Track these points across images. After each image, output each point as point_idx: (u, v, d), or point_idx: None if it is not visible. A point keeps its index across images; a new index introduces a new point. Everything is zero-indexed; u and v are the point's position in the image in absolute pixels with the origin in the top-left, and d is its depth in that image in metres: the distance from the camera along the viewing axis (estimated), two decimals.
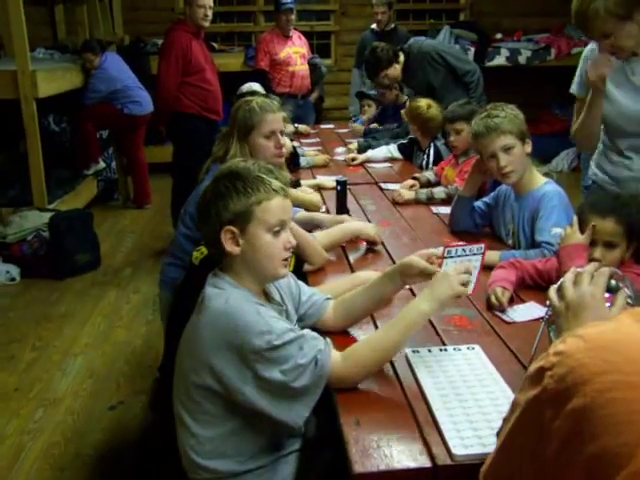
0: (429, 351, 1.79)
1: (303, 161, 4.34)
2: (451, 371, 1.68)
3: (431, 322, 2.00)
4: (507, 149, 2.55)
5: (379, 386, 1.66)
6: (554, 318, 1.32)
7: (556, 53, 7.81)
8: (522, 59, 7.89)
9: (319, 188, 3.65)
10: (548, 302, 1.36)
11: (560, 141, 7.70)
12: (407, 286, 1.99)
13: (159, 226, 6.04)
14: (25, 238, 4.85)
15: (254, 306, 1.62)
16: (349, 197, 3.24)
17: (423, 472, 1.36)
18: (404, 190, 3.50)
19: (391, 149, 4.58)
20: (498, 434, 1.01)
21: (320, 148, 4.99)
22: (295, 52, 6.42)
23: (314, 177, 4.02)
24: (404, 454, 1.39)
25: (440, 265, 1.86)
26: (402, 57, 4.73)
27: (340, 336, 1.89)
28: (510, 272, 2.21)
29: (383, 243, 2.75)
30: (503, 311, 2.06)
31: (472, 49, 7.74)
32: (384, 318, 1.99)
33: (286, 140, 3.14)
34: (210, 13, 5.01)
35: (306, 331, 1.63)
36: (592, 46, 2.55)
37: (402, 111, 4.64)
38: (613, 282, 1.28)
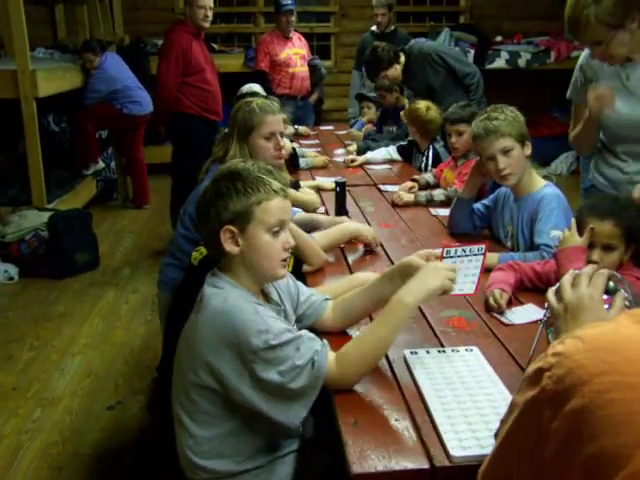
0: (427, 352, 1.79)
1: (302, 162, 4.34)
2: (449, 373, 1.68)
3: (429, 323, 2.01)
4: (506, 152, 2.55)
5: (377, 387, 1.66)
6: (552, 320, 1.33)
7: (556, 56, 7.82)
8: (522, 62, 7.89)
9: (318, 189, 3.65)
10: (546, 304, 1.36)
11: (559, 144, 7.68)
12: None
13: (158, 226, 6.04)
14: (24, 237, 4.85)
15: (252, 305, 1.62)
16: (348, 198, 3.25)
17: (421, 473, 1.36)
18: (403, 192, 3.50)
19: (390, 151, 4.59)
20: (496, 435, 1.01)
21: (319, 149, 4.99)
22: (295, 53, 6.42)
23: (313, 178, 4.03)
24: (402, 455, 1.39)
25: None
26: (403, 58, 4.73)
27: (338, 337, 1.89)
28: (509, 274, 2.21)
29: (382, 245, 2.75)
30: (501, 313, 2.06)
31: (472, 52, 7.75)
32: None
33: (286, 141, 3.14)
34: (210, 14, 5.01)
35: (303, 332, 1.64)
36: (587, 52, 2.56)
37: (402, 112, 4.64)
38: (611, 284, 1.28)
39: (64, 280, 4.78)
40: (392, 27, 6.46)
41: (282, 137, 2.78)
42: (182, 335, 1.71)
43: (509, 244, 2.69)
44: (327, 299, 1.97)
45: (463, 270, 1.85)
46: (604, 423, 0.77)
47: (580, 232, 2.09)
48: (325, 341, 1.66)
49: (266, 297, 1.79)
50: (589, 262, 1.99)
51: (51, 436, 2.96)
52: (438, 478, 1.36)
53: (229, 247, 1.66)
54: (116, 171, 7.03)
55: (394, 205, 3.40)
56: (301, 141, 5.28)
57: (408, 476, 1.36)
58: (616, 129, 2.50)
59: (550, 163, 7.88)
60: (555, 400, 0.82)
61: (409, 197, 3.44)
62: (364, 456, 1.38)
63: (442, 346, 1.86)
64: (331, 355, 1.62)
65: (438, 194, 3.42)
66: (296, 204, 2.91)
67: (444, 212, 3.15)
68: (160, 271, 2.90)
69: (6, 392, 3.33)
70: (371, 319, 2.00)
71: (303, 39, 6.67)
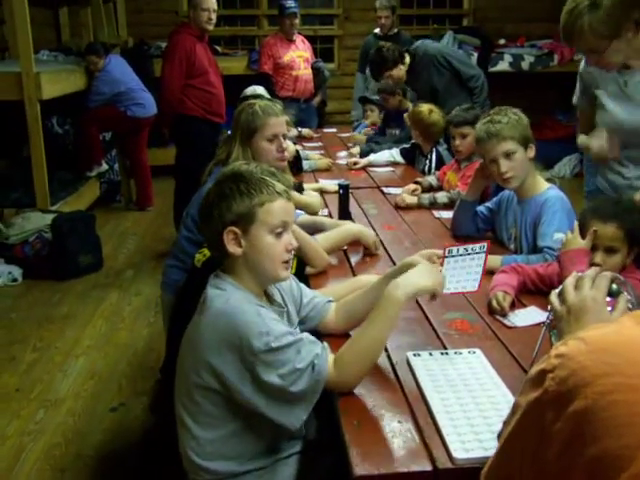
0: (430, 354, 1.79)
1: (306, 165, 4.34)
2: (452, 375, 1.68)
3: (432, 326, 2.01)
4: (508, 155, 2.55)
5: (380, 389, 1.66)
6: (555, 322, 1.32)
7: (559, 59, 7.82)
8: (525, 65, 7.90)
9: (321, 192, 3.66)
10: (549, 307, 1.36)
11: (563, 147, 7.72)
12: None
13: (161, 228, 6.05)
14: (27, 239, 4.86)
15: (255, 307, 1.62)
16: (351, 201, 3.25)
17: (424, 475, 1.36)
18: (406, 195, 3.50)
19: (393, 153, 4.59)
20: (499, 436, 1.01)
21: (322, 152, 5.00)
22: (299, 56, 6.42)
23: (316, 181, 4.03)
24: (405, 457, 1.39)
25: (442, 264, 1.87)
26: (408, 58, 4.73)
27: (341, 339, 1.88)
28: (512, 277, 2.21)
29: (385, 247, 2.75)
30: (504, 315, 2.06)
31: (475, 54, 7.74)
32: None
33: (289, 144, 3.14)
34: (214, 17, 5.03)
35: (304, 335, 1.64)
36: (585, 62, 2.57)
37: (405, 115, 4.64)
38: (614, 286, 1.28)
39: (67, 282, 4.79)
40: (395, 30, 6.47)
41: (285, 139, 2.78)
42: (185, 336, 1.72)
43: (512, 247, 2.69)
44: (330, 301, 1.98)
45: (465, 268, 1.85)
46: (607, 425, 0.77)
47: (583, 235, 2.09)
48: (326, 344, 1.66)
49: (269, 299, 1.80)
50: (591, 265, 1.99)
51: (54, 437, 2.97)
52: None
53: (232, 248, 1.67)
54: (120, 173, 7.04)
55: (397, 207, 3.40)
56: (304, 143, 5.28)
57: (411, 478, 1.36)
58: (617, 134, 2.50)
59: (553, 166, 7.88)
60: (558, 401, 0.82)
61: (412, 199, 3.44)
62: (367, 458, 1.38)
63: (445, 348, 1.86)
64: (330, 358, 1.62)
65: (441, 197, 3.42)
66: (299, 206, 2.91)
67: (447, 214, 3.15)
68: (163, 273, 2.90)
69: (9, 393, 3.34)
70: None
71: (306, 42, 6.67)
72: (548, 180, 2.71)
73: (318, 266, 2.47)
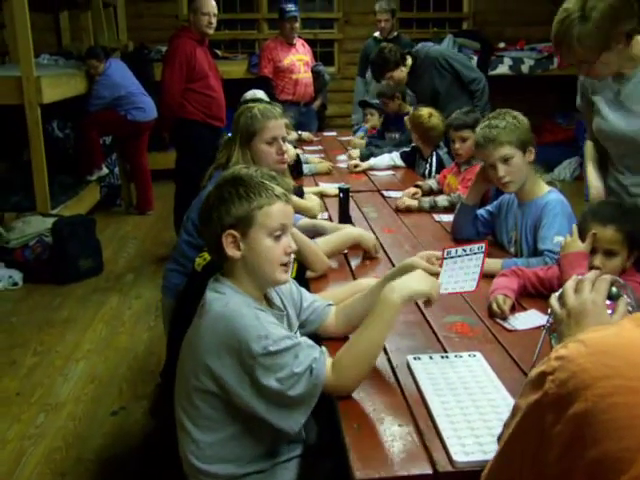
0: (430, 358, 1.79)
1: (306, 168, 4.35)
2: (452, 378, 1.68)
3: (432, 329, 2.01)
4: (506, 160, 2.55)
5: (380, 393, 1.66)
6: (555, 326, 1.32)
7: (559, 62, 7.82)
8: (525, 68, 7.91)
9: (322, 195, 3.66)
10: (549, 310, 1.36)
11: (563, 150, 7.73)
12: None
13: (161, 232, 6.05)
14: (28, 243, 4.86)
15: (253, 311, 1.62)
16: (352, 204, 3.25)
17: (424, 478, 1.36)
18: (407, 198, 3.50)
19: (394, 157, 4.60)
20: (499, 439, 1.01)
21: (323, 155, 5.00)
22: (299, 60, 6.43)
23: (317, 184, 4.03)
24: (405, 460, 1.39)
25: (440, 266, 1.87)
26: (410, 60, 4.73)
27: (341, 342, 1.88)
28: (512, 280, 2.21)
29: (385, 251, 2.75)
30: (505, 319, 2.06)
31: (475, 58, 7.75)
32: None
33: (289, 147, 3.14)
34: (214, 20, 5.04)
35: (302, 339, 1.64)
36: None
37: (406, 118, 4.65)
38: (614, 290, 1.28)
39: (68, 286, 4.79)
40: (395, 33, 6.47)
41: (284, 142, 2.78)
42: (185, 340, 1.72)
43: (512, 250, 2.69)
44: (330, 305, 1.98)
45: (464, 269, 1.86)
46: (607, 427, 0.77)
47: (583, 238, 2.09)
48: (324, 348, 1.66)
49: (269, 302, 1.80)
50: (590, 267, 1.99)
51: (54, 442, 2.97)
52: None
53: (231, 251, 1.67)
54: (120, 177, 7.05)
55: (397, 211, 3.40)
56: (304, 147, 5.29)
57: None
58: (610, 143, 2.50)
59: (553, 169, 7.88)
60: (558, 404, 0.82)
61: (412, 201, 3.45)
62: (367, 461, 1.38)
63: (445, 352, 1.86)
64: (329, 362, 1.62)
65: (441, 200, 3.42)
66: (297, 210, 2.91)
67: (447, 218, 3.15)
68: (164, 277, 2.90)
69: (10, 397, 3.34)
70: None
71: (307, 45, 6.68)
72: (549, 183, 2.70)
73: (318, 270, 2.47)
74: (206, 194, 1.78)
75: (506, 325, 2.03)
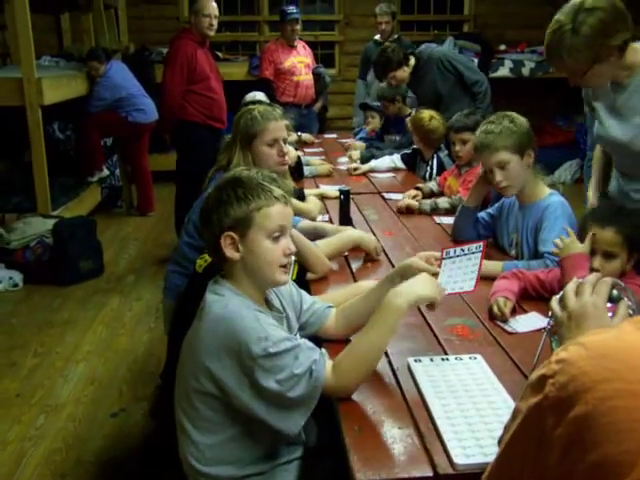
0: (431, 360, 1.79)
1: (306, 170, 4.35)
2: (453, 380, 1.68)
3: (433, 331, 2.01)
4: (502, 165, 2.55)
5: (381, 395, 1.66)
6: (556, 328, 1.32)
7: None
8: (525, 70, 7.91)
9: (322, 197, 3.66)
10: (550, 312, 1.36)
11: (563, 152, 7.73)
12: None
13: (162, 234, 6.05)
14: (28, 244, 4.87)
15: (253, 313, 1.62)
16: (352, 207, 3.25)
17: None
18: (408, 200, 3.50)
19: (394, 159, 4.60)
20: (500, 442, 1.01)
21: (323, 157, 5.00)
22: (300, 62, 6.44)
23: (317, 186, 4.03)
24: (406, 462, 1.39)
25: (439, 266, 1.87)
26: (412, 61, 4.73)
27: (341, 344, 1.88)
28: (513, 282, 2.21)
29: (386, 253, 2.75)
30: (505, 321, 2.06)
31: (476, 60, 7.73)
32: None
33: (290, 149, 3.14)
34: (215, 22, 5.04)
35: (302, 341, 1.64)
36: None
37: (407, 119, 4.65)
38: (615, 292, 1.28)
39: (68, 287, 4.79)
40: (395, 35, 6.48)
41: (285, 143, 2.78)
42: (185, 342, 1.72)
43: (513, 252, 2.69)
44: (330, 307, 1.98)
45: (462, 268, 1.86)
46: (607, 430, 0.77)
47: (582, 239, 2.09)
48: (324, 350, 1.66)
49: (269, 304, 1.79)
50: (590, 270, 1.99)
51: (55, 443, 2.97)
52: None
53: (230, 253, 1.67)
54: (121, 179, 7.06)
55: (398, 213, 3.40)
56: (305, 149, 5.29)
57: None
58: (609, 148, 2.50)
59: (554, 171, 7.87)
60: (558, 407, 0.82)
61: (413, 202, 3.45)
62: (368, 464, 1.38)
63: (446, 354, 1.86)
64: (328, 364, 1.62)
65: (442, 202, 3.42)
66: (297, 212, 2.91)
67: (448, 220, 3.15)
68: (165, 278, 2.90)
69: (10, 399, 3.34)
70: None
71: (307, 47, 6.69)
72: (551, 186, 2.70)
73: (319, 272, 2.47)
74: (206, 196, 1.78)
75: (507, 328, 2.03)
